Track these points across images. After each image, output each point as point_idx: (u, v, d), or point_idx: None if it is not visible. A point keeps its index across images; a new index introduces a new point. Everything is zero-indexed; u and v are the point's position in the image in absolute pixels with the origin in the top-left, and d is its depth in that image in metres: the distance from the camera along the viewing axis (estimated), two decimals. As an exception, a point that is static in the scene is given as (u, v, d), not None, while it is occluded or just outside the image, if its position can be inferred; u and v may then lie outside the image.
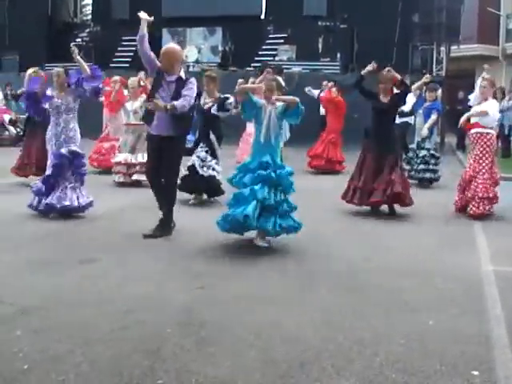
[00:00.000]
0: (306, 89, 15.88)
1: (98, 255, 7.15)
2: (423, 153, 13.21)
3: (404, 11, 21.77)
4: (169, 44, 8.89)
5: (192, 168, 10.34)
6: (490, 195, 9.74)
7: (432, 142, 13.47)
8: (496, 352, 4.65)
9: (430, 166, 13.25)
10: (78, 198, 9.11)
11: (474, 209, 9.72)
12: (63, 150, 9.05)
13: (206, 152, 10.35)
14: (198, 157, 10.34)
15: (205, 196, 10.74)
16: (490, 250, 7.78)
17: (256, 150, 7.65)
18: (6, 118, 20.34)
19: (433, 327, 5.14)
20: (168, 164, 8.17)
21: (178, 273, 6.58)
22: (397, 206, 9.95)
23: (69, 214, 9.08)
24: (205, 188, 10.59)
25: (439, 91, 14.09)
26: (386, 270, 6.79)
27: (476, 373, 4.28)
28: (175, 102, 7.76)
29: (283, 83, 7.86)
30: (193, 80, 8.19)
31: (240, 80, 11.53)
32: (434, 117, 13.16)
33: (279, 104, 7.54)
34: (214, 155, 10.49)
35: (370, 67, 9.91)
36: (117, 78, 14.04)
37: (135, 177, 12.23)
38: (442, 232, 8.90)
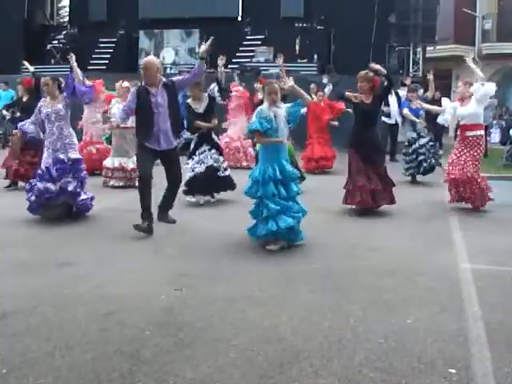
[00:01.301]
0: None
1: (78, 258, 7.13)
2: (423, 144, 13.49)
3: (380, 12, 21.79)
4: (146, 58, 8.96)
5: (210, 171, 10.42)
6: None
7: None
8: (473, 350, 4.69)
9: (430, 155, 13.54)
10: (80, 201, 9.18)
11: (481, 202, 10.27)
12: (62, 156, 9.03)
13: (210, 150, 10.50)
14: (212, 158, 10.44)
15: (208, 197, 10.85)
16: (467, 249, 7.82)
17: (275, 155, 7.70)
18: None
19: (411, 326, 5.17)
20: (176, 169, 8.47)
21: (157, 274, 6.57)
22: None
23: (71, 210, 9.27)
24: (222, 187, 10.78)
25: (420, 91, 14.18)
26: (365, 270, 6.82)
27: (453, 371, 4.31)
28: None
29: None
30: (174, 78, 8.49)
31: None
32: (420, 120, 13.36)
33: (284, 106, 7.64)
34: (221, 153, 10.76)
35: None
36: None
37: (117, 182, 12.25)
38: (420, 231, 8.94)
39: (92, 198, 9.36)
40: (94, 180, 12.26)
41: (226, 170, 10.71)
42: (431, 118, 12.93)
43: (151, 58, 8.85)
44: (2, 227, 8.73)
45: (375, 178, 9.76)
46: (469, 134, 10.21)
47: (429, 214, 10.07)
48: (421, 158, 13.41)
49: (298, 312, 5.46)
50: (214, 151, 10.50)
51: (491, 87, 10.19)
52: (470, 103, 10.18)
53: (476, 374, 4.28)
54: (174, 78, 8.51)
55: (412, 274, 6.69)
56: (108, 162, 12.62)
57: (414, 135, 13.56)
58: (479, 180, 10.22)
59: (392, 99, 16.67)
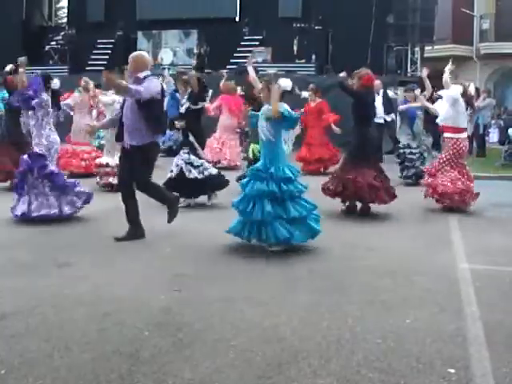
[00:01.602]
0: (300, 93, 15.80)
1: (77, 258, 7.13)
2: (411, 155, 13.37)
3: (378, 12, 21.80)
4: (135, 52, 8.86)
5: (180, 172, 10.32)
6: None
7: (418, 141, 13.65)
8: (472, 350, 4.69)
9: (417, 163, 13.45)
10: (50, 206, 9.03)
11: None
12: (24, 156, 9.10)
13: (188, 153, 10.36)
14: (183, 160, 10.35)
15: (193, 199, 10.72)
16: (465, 248, 7.85)
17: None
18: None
19: (410, 326, 5.18)
20: (138, 172, 8.13)
21: (156, 275, 6.58)
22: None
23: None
24: (207, 188, 10.63)
25: (417, 91, 14.14)
26: (364, 270, 6.83)
27: (452, 371, 4.31)
28: (130, 85, 7.75)
29: (284, 84, 7.76)
30: (152, 78, 8.13)
31: None
32: (419, 113, 13.35)
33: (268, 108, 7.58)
34: (196, 155, 10.47)
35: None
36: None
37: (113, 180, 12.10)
38: (418, 231, 8.96)
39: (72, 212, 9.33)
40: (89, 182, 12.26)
41: (205, 169, 10.44)
42: (430, 118, 12.88)
43: (139, 52, 8.80)
44: (1, 228, 8.73)
45: (364, 175, 9.73)
46: (445, 135, 10.31)
47: (427, 215, 10.09)
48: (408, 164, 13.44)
49: (297, 312, 5.47)
50: (186, 152, 10.38)
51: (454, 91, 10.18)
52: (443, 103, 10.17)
53: (475, 374, 4.28)
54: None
55: (411, 274, 6.70)
56: (102, 160, 12.51)
57: (405, 142, 13.52)
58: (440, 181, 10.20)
59: (378, 98, 16.59)
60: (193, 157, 10.37)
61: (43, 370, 4.26)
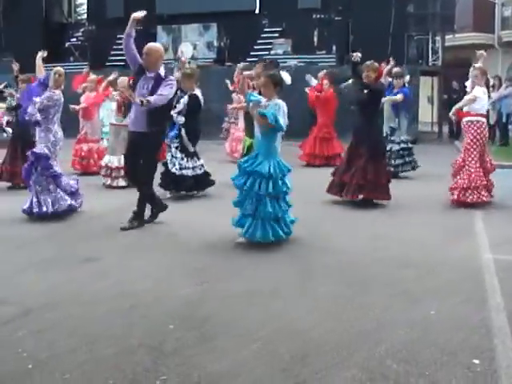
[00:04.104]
0: (307, 76, 15.72)
1: (100, 253, 7.18)
2: (396, 147, 12.96)
3: (399, 1, 21.69)
4: (151, 43, 8.87)
5: (165, 164, 10.45)
6: (484, 183, 9.77)
7: (403, 132, 13.12)
8: (497, 341, 4.67)
9: (406, 159, 13.04)
10: (52, 203, 9.00)
11: (470, 197, 9.73)
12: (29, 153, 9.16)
13: (176, 148, 10.42)
14: (169, 153, 10.48)
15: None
16: (489, 239, 7.78)
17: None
18: (4, 120, 20.34)
19: (434, 316, 5.17)
20: (143, 159, 8.43)
21: (179, 269, 6.60)
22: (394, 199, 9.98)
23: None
24: (177, 185, 10.58)
25: (407, 77, 13.79)
26: (386, 261, 6.81)
27: (477, 361, 4.30)
28: (150, 98, 7.89)
29: (285, 78, 7.60)
30: (172, 78, 8.38)
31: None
32: (398, 96, 12.66)
33: (271, 103, 7.42)
34: (183, 151, 10.50)
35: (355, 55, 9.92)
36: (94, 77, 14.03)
37: (121, 183, 11.88)
38: (441, 221, 8.91)
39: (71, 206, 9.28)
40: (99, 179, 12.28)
41: (182, 168, 10.44)
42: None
43: (154, 44, 8.82)
44: (22, 225, 8.79)
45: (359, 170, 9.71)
46: (463, 120, 10.07)
47: (450, 205, 10.00)
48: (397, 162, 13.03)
49: (319, 304, 5.48)
50: (175, 146, 10.42)
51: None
52: (472, 92, 9.96)
53: (500, 365, 4.27)
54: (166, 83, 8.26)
55: (434, 264, 6.68)
56: (105, 160, 12.23)
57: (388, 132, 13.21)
58: (477, 165, 9.85)
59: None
60: (179, 152, 10.47)
61: (69, 364, 4.30)
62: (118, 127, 11.91)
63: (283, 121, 7.26)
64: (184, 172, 10.43)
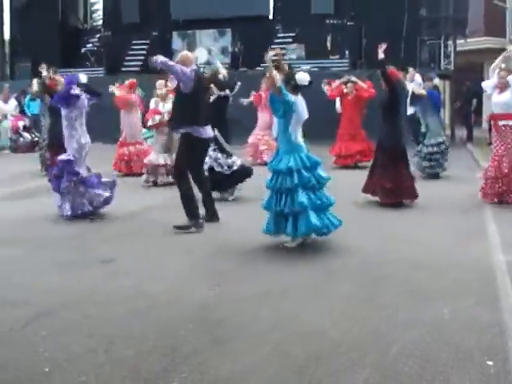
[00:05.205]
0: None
1: (119, 254, 7.27)
2: (424, 150, 13.00)
3: (411, 5, 21.69)
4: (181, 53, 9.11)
5: (211, 170, 10.42)
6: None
7: (434, 134, 13.09)
8: (511, 342, 4.68)
9: (435, 162, 13.08)
10: (76, 207, 9.18)
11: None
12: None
13: (214, 150, 10.45)
14: (210, 157, 10.42)
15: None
16: (501, 240, 7.78)
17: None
18: (21, 124, 20.53)
19: (448, 317, 5.19)
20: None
21: (194, 271, 6.67)
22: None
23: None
24: (233, 182, 10.78)
25: (436, 80, 13.81)
26: (400, 262, 6.84)
27: (491, 363, 4.31)
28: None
29: (302, 77, 7.54)
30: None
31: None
32: (423, 91, 12.77)
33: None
34: (223, 151, 10.59)
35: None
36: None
37: (165, 178, 12.25)
38: (454, 223, 8.90)
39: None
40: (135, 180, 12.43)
41: (229, 167, 10.59)
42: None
43: (185, 52, 9.10)
44: (41, 226, 8.90)
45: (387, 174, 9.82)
46: (500, 123, 10.08)
47: (463, 207, 9.97)
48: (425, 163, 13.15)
49: (333, 305, 5.52)
50: (212, 149, 10.34)
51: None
52: (507, 91, 9.95)
53: (513, 367, 4.27)
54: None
55: (446, 265, 6.70)
56: (152, 158, 12.55)
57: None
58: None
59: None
60: (219, 154, 10.54)
61: (87, 365, 4.35)
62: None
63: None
64: (234, 168, 10.60)
